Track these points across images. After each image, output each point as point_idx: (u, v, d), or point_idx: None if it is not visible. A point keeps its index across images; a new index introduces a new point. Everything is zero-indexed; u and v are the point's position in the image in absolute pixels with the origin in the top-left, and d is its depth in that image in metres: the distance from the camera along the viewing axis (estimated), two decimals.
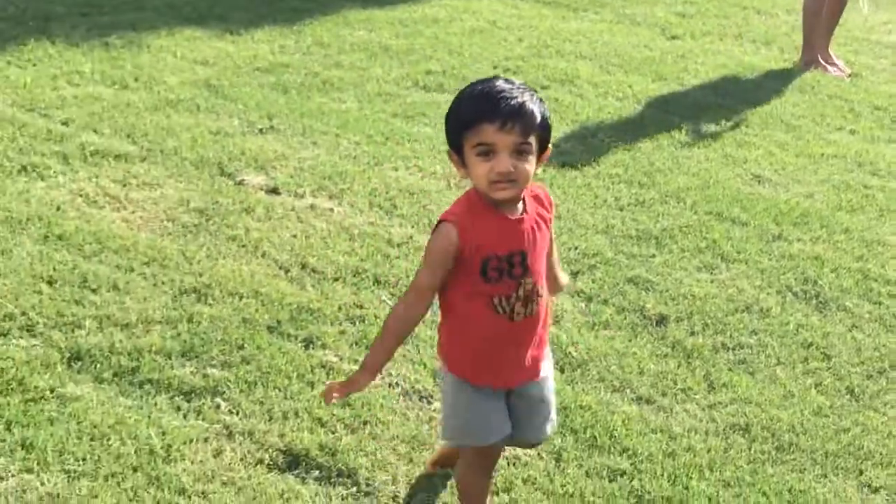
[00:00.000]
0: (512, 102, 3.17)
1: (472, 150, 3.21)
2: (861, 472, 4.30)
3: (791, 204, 6.52)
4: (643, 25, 10.02)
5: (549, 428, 3.63)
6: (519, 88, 3.22)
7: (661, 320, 5.16)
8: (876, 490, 4.21)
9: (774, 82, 8.81)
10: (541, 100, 3.27)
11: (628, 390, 4.62)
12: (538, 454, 4.13)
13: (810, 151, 7.40)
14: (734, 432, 4.45)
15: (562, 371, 4.67)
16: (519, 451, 4.11)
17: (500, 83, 3.23)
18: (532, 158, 3.23)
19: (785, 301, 5.47)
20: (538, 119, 3.23)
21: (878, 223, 6.43)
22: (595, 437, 4.27)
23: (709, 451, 4.30)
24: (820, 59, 9.20)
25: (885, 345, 5.17)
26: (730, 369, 4.86)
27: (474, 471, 3.59)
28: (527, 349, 3.44)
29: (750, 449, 4.35)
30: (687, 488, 4.06)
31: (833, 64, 9.22)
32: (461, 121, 3.23)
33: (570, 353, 4.80)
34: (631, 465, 4.15)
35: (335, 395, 3.41)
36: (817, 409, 4.65)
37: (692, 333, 5.09)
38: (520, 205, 3.34)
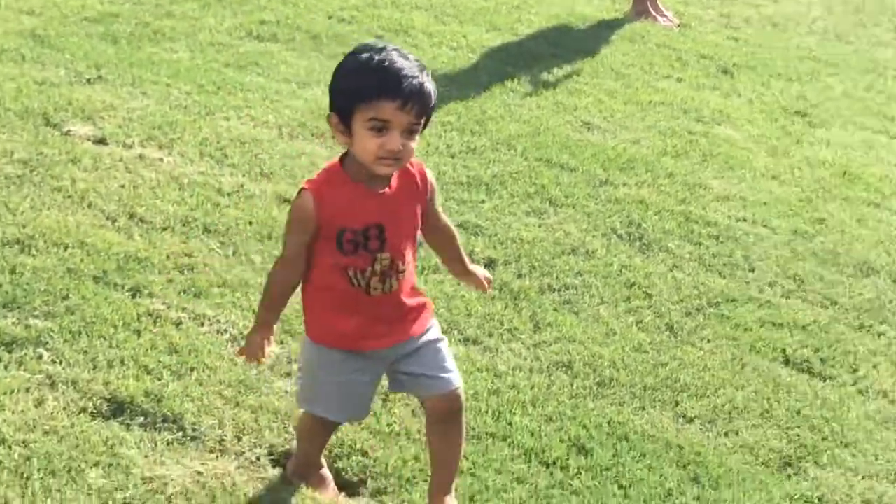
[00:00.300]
0: (414, 82, 3.16)
1: (365, 124, 3.18)
2: (677, 404, 4.46)
3: (618, 150, 6.68)
4: None
5: (454, 378, 3.53)
6: (417, 66, 3.20)
7: (490, 263, 5.25)
8: (691, 420, 4.38)
9: (606, 32, 8.97)
10: (431, 78, 3.27)
11: (456, 332, 4.70)
12: None
13: (638, 99, 7.58)
14: (557, 369, 4.57)
15: None
16: None
17: (397, 57, 3.19)
18: (418, 137, 3.25)
19: (610, 243, 5.62)
20: (433, 101, 3.24)
21: (700, 167, 6.63)
22: None
23: (532, 387, 4.42)
24: (650, 9, 9.40)
25: (704, 283, 5.35)
26: (555, 309, 4.99)
27: (315, 424, 3.62)
28: (389, 323, 3.41)
29: (572, 385, 4.48)
30: (510, 424, 4.17)
31: (663, 14, 9.43)
32: (357, 92, 3.18)
33: None
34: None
35: (243, 357, 3.50)
36: (637, 346, 4.80)
37: (519, 276, 5.21)
38: (385, 181, 3.33)
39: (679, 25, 9.38)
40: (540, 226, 5.69)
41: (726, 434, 4.33)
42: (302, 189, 3.30)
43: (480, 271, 3.75)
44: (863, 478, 4.17)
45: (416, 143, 3.25)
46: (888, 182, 6.67)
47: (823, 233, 5.95)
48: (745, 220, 6.01)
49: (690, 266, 5.50)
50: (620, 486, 3.95)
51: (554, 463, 4.01)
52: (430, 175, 3.45)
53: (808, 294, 5.36)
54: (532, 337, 4.77)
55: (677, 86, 7.97)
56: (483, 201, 5.83)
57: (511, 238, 5.50)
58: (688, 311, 5.12)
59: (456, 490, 3.67)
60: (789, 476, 4.13)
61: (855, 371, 4.82)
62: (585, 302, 5.09)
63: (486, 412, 4.22)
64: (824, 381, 4.74)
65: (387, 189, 3.32)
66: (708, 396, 4.52)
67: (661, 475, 4.03)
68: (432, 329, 3.52)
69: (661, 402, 4.46)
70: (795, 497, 4.02)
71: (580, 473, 3.98)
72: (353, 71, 3.22)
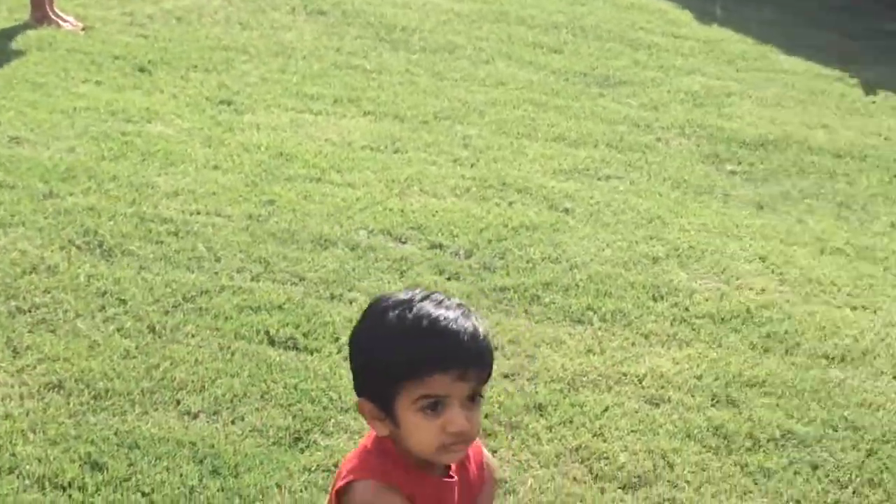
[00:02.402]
0: (467, 341, 2.38)
1: (414, 405, 2.38)
2: (178, 403, 4.46)
3: (55, 160, 6.49)
4: None
5: None
6: (463, 312, 2.43)
7: None
8: (195, 416, 4.39)
9: (9, 42, 8.66)
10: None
11: None
12: None
13: (62, 107, 7.39)
14: (49, 391, 4.42)
15: None
16: None
17: (437, 308, 2.41)
18: (482, 404, 2.46)
19: (70, 255, 5.47)
20: (492, 357, 2.47)
21: (142, 167, 6.59)
22: None
23: (28, 413, 4.25)
24: (50, 14, 9.16)
25: (175, 280, 5.35)
26: (30, 331, 4.81)
27: None
28: None
29: (69, 403, 4.36)
30: (14, 454, 4.00)
31: (64, 20, 9.22)
32: (399, 366, 2.38)
33: None
34: None
35: None
36: (125, 353, 4.74)
37: None
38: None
39: (84, 28, 9.22)
40: None
41: (233, 422, 4.38)
42: (358, 481, 2.42)
43: None
44: None
45: (481, 413, 2.46)
46: (323, 157, 6.96)
47: (276, 214, 6.12)
48: (198, 212, 6.06)
49: (157, 265, 5.48)
50: (144, 494, 3.90)
51: (70, 485, 3.90)
52: (491, 461, 2.64)
53: (277, 274, 5.51)
54: (14, 363, 4.58)
55: (98, 89, 7.84)
56: None
57: None
58: (166, 310, 5.10)
59: None
60: (302, 450, 4.25)
61: (337, 340, 5.02)
62: (60, 318, 4.94)
63: None
64: (311, 354, 4.90)
65: (451, 476, 2.50)
66: (206, 389, 4.55)
67: (181, 474, 4.02)
68: None
69: (162, 404, 4.44)
70: (312, 468, 4.15)
71: (99, 489, 3.89)
72: (390, 339, 2.41)
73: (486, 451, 2.63)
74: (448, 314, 2.37)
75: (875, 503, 4.30)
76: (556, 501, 4.09)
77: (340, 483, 2.44)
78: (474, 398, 2.39)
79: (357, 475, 2.41)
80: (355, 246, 5.93)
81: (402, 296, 2.45)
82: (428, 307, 2.38)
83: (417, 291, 2.46)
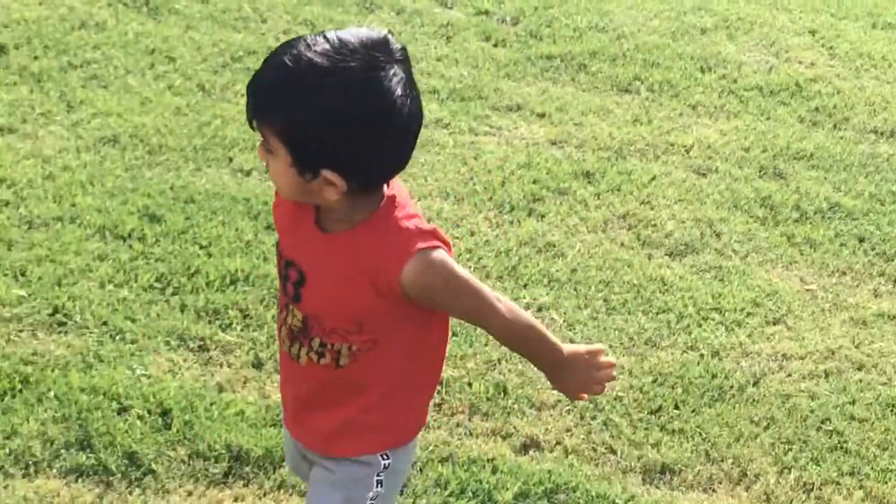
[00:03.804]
0: (251, 86, 2.08)
1: None
2: (231, 160, 4.50)
3: None
4: None
5: None
6: (291, 56, 2.02)
7: (1, 49, 4.97)
8: (248, 173, 4.43)
9: None
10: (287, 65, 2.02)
11: None
12: None
13: None
14: (104, 145, 4.47)
15: None
16: None
17: (279, 50, 2.06)
18: (276, 157, 2.07)
19: (118, 12, 5.45)
20: (268, 106, 2.05)
21: None
22: None
23: (85, 166, 4.30)
24: None
25: (222, 39, 5.34)
26: (83, 87, 4.83)
27: None
28: (305, 405, 2.31)
29: (124, 157, 4.40)
30: (74, 205, 4.06)
31: None
32: None
33: None
34: (13, 193, 4.07)
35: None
36: (176, 110, 4.76)
37: (36, 57, 4.97)
38: (345, 226, 2.14)
39: None
40: (40, 3, 5.42)
41: None
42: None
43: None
44: (418, 199, 4.43)
45: (277, 166, 2.08)
46: None
47: None
48: None
49: (204, 25, 5.46)
50: (202, 247, 3.96)
51: (130, 235, 3.96)
52: (418, 274, 2.10)
53: None
54: (68, 117, 4.61)
55: None
56: None
57: (15, 20, 5.22)
58: (214, 70, 5.11)
59: None
60: None
61: None
62: (111, 74, 4.95)
63: (47, 198, 4.08)
64: None
65: (341, 236, 2.15)
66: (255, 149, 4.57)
67: (237, 229, 4.08)
68: (347, 465, 2.31)
69: (215, 161, 4.48)
70: None
71: (158, 241, 3.96)
72: None
73: (427, 266, 2.11)
74: (271, 58, 2.05)
75: None
76: (603, 265, 4.16)
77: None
78: (267, 148, 2.07)
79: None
80: (401, 10, 5.88)
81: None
82: (280, 47, 2.06)
83: (317, 34, 2.06)
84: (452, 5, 6.01)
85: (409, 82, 2.06)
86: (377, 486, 2.31)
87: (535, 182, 4.59)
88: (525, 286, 3.99)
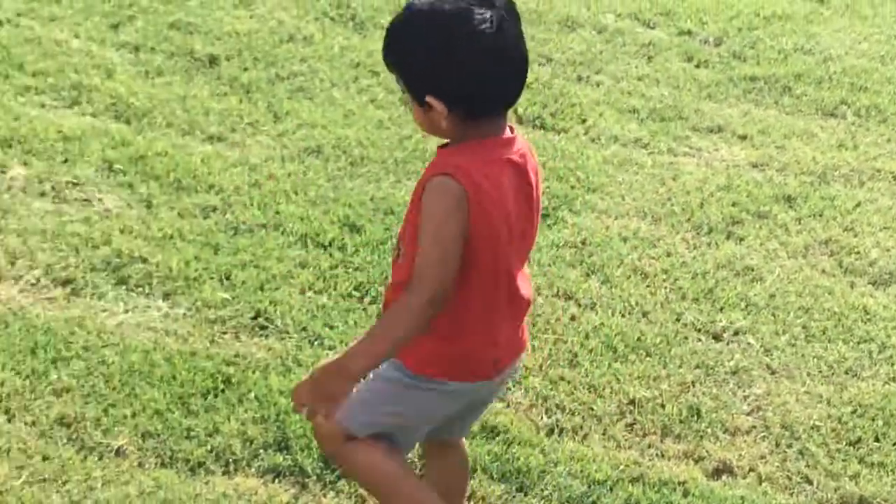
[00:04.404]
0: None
1: None
2: None
3: None
4: None
5: None
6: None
7: (213, 60, 5.14)
8: None
9: None
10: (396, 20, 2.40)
11: (198, 131, 4.61)
12: (128, 204, 4.09)
13: None
14: (308, 155, 4.57)
15: (128, 122, 4.59)
16: (107, 202, 4.06)
17: None
18: (405, 95, 2.43)
19: (325, 27, 5.58)
20: (387, 49, 2.42)
21: None
22: (179, 180, 4.26)
23: (290, 175, 4.41)
24: None
25: None
26: (289, 98, 4.95)
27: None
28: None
29: (327, 168, 4.50)
30: (278, 213, 4.16)
31: None
32: None
33: (132, 104, 4.71)
34: (220, 200, 4.19)
35: None
36: (378, 123, 4.84)
37: (245, 69, 5.12)
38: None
39: None
40: (251, 17, 5.58)
41: None
42: None
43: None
44: (615, 218, 4.41)
45: (409, 104, 2.48)
46: None
47: None
48: None
49: None
50: None
51: (330, 244, 4.05)
52: (424, 195, 2.33)
53: None
54: (275, 127, 4.73)
55: None
56: None
57: (227, 32, 5.39)
58: None
59: None
60: (549, 226, 4.31)
61: (584, 121, 5.03)
62: (317, 87, 5.07)
63: (252, 205, 4.19)
64: (558, 133, 4.93)
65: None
66: None
67: None
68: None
69: (415, 173, 4.53)
70: (560, 244, 4.22)
71: (358, 250, 4.03)
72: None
73: (438, 177, 2.31)
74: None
75: None
76: (803, 292, 4.07)
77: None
78: (402, 89, 2.41)
79: None
80: (603, 29, 5.88)
81: None
82: None
83: None
84: (655, 25, 5.97)
85: (503, 24, 2.29)
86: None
87: (734, 205, 4.53)
88: (721, 309, 3.94)
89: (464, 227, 2.29)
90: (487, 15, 2.28)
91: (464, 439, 2.84)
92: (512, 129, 2.41)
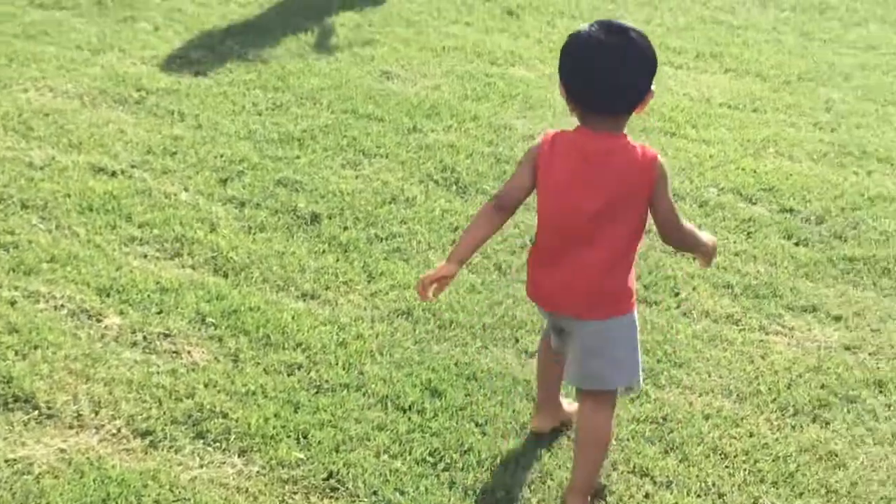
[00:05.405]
0: None
1: None
2: (517, 340, 4.60)
3: (420, 97, 6.76)
4: None
5: None
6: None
7: (314, 218, 5.29)
8: (532, 355, 4.51)
9: None
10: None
11: (292, 288, 4.73)
12: (215, 358, 4.20)
13: (432, 45, 7.67)
14: (398, 317, 4.65)
15: (226, 276, 4.73)
16: (195, 355, 4.17)
17: None
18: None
19: (428, 189, 5.71)
20: None
21: (501, 109, 6.77)
22: (268, 336, 4.37)
23: (377, 336, 4.49)
24: None
25: (523, 221, 5.49)
26: (385, 258, 5.06)
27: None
28: None
29: (415, 330, 4.57)
30: (362, 373, 4.24)
31: None
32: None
33: (231, 258, 4.86)
34: (306, 357, 4.28)
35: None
36: (471, 287, 4.91)
37: (345, 228, 5.25)
38: None
39: None
40: (357, 177, 5.74)
41: None
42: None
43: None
44: (699, 395, 4.39)
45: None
46: (680, 111, 6.95)
47: None
48: None
49: None
50: (477, 424, 4.05)
51: (410, 407, 4.09)
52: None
53: None
54: (368, 287, 4.83)
55: (467, 30, 8.10)
56: (298, 157, 5.85)
57: (331, 191, 5.54)
58: (512, 251, 5.26)
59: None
60: (632, 400, 4.30)
61: (677, 294, 5.04)
62: (413, 248, 5.17)
63: (337, 364, 4.27)
64: (650, 306, 4.95)
65: None
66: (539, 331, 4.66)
67: (514, 410, 4.16)
68: None
69: (501, 340, 4.59)
70: (641, 419, 4.21)
71: (437, 415, 4.07)
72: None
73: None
74: None
75: None
76: (887, 481, 3.99)
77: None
78: None
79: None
80: (704, 203, 5.91)
81: None
82: None
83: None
84: (757, 201, 5.99)
85: (599, 48, 3.30)
86: None
87: (822, 387, 4.48)
88: (800, 495, 3.88)
89: (531, 166, 3.51)
90: (597, 40, 3.28)
91: (590, 415, 3.68)
92: (620, 137, 3.38)
